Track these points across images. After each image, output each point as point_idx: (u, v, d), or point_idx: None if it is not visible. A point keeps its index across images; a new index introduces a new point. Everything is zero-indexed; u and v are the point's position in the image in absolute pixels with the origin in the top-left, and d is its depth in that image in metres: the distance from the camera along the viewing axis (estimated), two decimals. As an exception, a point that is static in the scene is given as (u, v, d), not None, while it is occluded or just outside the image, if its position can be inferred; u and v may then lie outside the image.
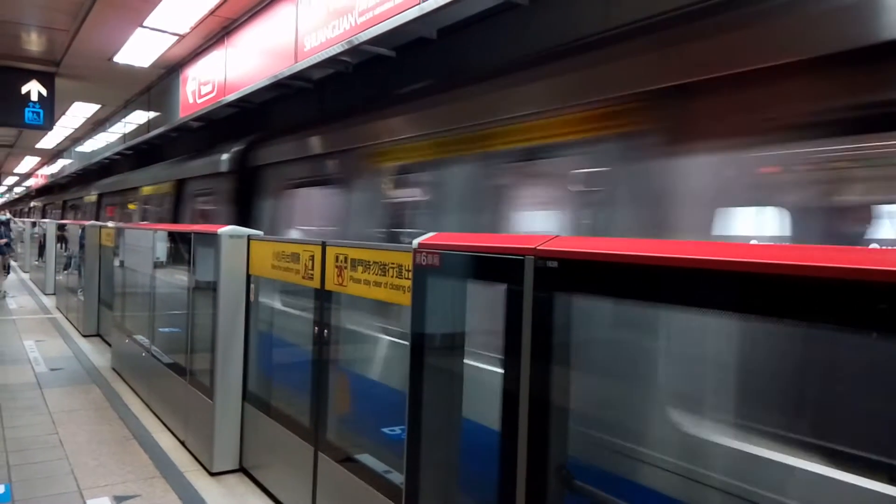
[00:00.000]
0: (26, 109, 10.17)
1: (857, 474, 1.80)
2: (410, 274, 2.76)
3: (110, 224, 10.03)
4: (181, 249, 5.78)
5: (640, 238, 2.63)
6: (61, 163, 21.59)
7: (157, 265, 6.55)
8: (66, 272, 12.78)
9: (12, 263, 18.69)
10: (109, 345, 8.98)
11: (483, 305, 2.62)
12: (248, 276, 4.85)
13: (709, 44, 2.56)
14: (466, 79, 4.18)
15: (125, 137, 12.93)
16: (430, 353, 2.66)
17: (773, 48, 2.28)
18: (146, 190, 11.06)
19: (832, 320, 1.47)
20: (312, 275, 3.91)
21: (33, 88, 10.18)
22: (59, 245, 14.36)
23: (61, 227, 13.97)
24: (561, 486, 2.03)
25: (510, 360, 2.12)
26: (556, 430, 2.05)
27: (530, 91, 3.49)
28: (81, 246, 10.59)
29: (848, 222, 2.44)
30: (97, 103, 12.84)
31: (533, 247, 2.05)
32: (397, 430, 3.31)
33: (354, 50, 5.14)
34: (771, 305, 1.56)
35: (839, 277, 1.36)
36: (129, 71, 9.75)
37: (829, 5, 2.18)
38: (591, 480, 2.19)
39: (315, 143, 5.58)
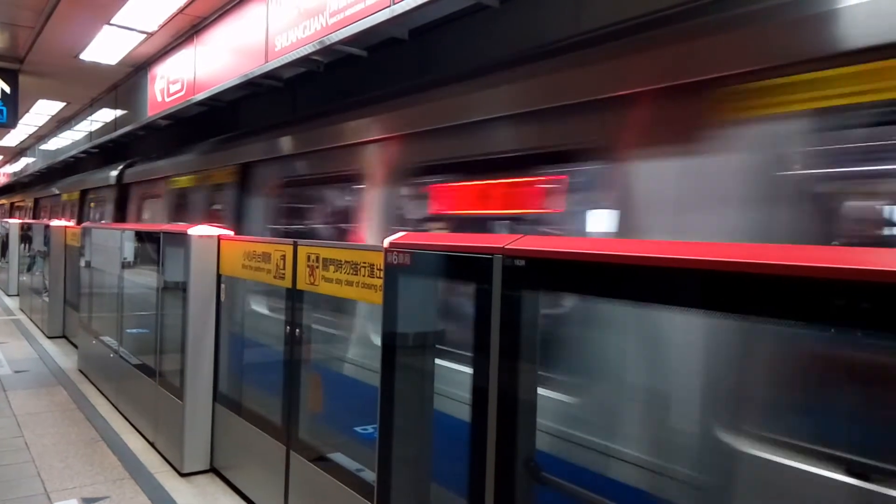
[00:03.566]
0: (-11, 107, 9.96)
1: None
2: (382, 273, 2.80)
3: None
4: (150, 249, 5.73)
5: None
6: (24, 161, 21.13)
7: (125, 265, 6.48)
8: (30, 273, 12.54)
9: None
10: (75, 346, 8.84)
11: None
12: (219, 277, 4.84)
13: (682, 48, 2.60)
14: (438, 80, 4.21)
15: (91, 136, 12.71)
16: (401, 351, 2.70)
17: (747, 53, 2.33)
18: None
19: (791, 317, 1.54)
20: (284, 274, 3.92)
21: (-4, 85, 9.97)
22: (22, 245, 14.07)
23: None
24: (529, 478, 2.09)
25: (479, 356, 2.17)
26: (524, 425, 2.10)
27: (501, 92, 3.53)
28: (46, 245, 10.41)
29: None
30: (62, 101, 12.60)
31: (501, 246, 2.10)
32: (370, 428, 3.34)
33: (326, 50, 5.14)
34: (731, 302, 1.63)
35: (794, 275, 1.43)
36: (96, 69, 9.60)
37: (804, 13, 2.21)
38: (559, 473, 2.25)
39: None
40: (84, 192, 12.75)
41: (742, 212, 2.25)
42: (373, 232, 4.15)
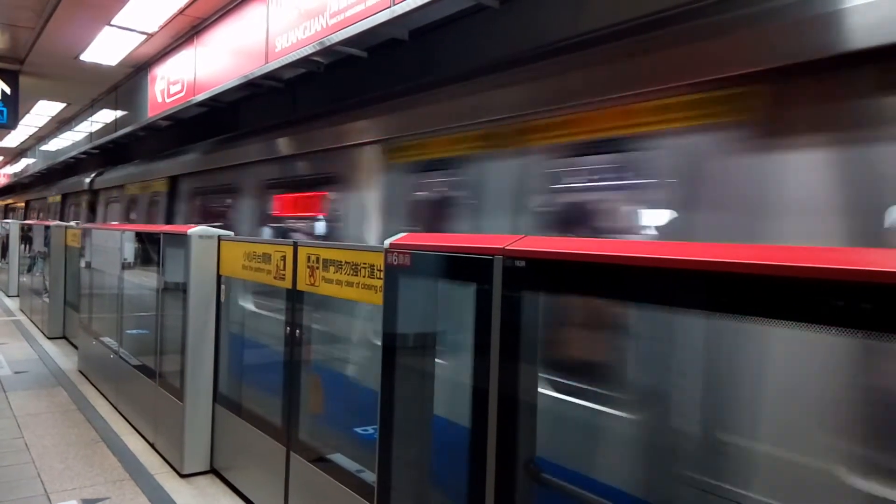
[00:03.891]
0: (-11, 108, 9.97)
1: None
2: (382, 274, 2.80)
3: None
4: (150, 250, 5.73)
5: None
6: (24, 161, 21.13)
7: (125, 266, 6.48)
8: (30, 273, 12.54)
9: None
10: (76, 347, 8.84)
11: None
12: (219, 277, 4.83)
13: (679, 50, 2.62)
14: (438, 81, 4.23)
15: (92, 136, 12.72)
16: (402, 352, 2.70)
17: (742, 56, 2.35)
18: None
19: (791, 317, 1.54)
20: (284, 275, 3.91)
21: (-4, 86, 9.97)
22: (22, 246, 14.07)
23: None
24: (529, 480, 2.08)
25: (480, 357, 2.17)
26: (525, 426, 2.10)
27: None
28: (46, 246, 10.42)
29: None
30: (63, 102, 12.61)
31: (501, 247, 2.10)
32: (370, 429, 3.34)
33: (327, 50, 5.14)
34: (730, 303, 1.63)
35: (796, 276, 1.43)
36: (96, 69, 9.60)
37: (797, 17, 2.23)
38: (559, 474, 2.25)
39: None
40: (65, 196, 15.17)
41: (387, 220, 4.19)
42: (245, 226, 6.12)
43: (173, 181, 8.26)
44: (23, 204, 21.93)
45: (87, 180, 12.59)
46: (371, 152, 4.40)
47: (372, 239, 4.26)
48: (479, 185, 3.47)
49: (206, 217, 7.51)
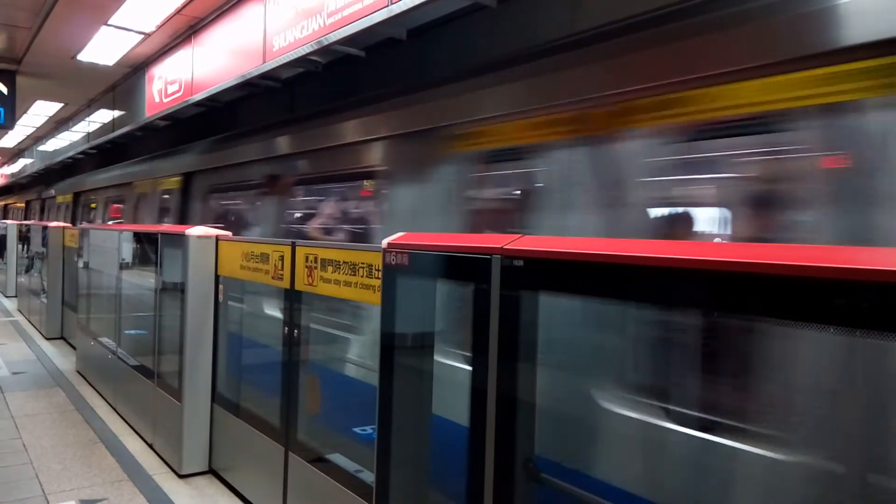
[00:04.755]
0: (-14, 108, 9.94)
1: None
2: (380, 273, 2.79)
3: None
4: (148, 250, 5.72)
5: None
6: (22, 162, 21.10)
7: (123, 266, 6.47)
8: (27, 274, 12.52)
9: None
10: (74, 348, 8.82)
11: None
12: (217, 277, 4.83)
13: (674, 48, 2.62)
14: (435, 80, 4.23)
15: (89, 136, 12.69)
16: (400, 351, 2.69)
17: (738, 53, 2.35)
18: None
19: (790, 317, 1.54)
20: (282, 275, 3.91)
21: (-7, 87, 9.95)
22: (20, 245, 14.05)
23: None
24: (528, 479, 2.08)
25: (478, 356, 2.17)
26: (523, 425, 2.10)
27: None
28: (44, 246, 10.41)
29: None
30: (60, 102, 12.57)
31: (500, 246, 2.10)
32: (368, 429, 3.33)
33: (324, 50, 5.14)
34: (726, 302, 1.63)
35: (792, 275, 1.43)
36: (94, 69, 9.57)
37: (795, 11, 2.22)
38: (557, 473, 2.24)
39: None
40: (28, 203, 21.08)
41: (149, 218, 9.01)
42: (100, 221, 11.21)
43: (76, 195, 14.11)
44: (3, 205, 27.66)
45: (36, 191, 18.60)
46: (133, 188, 9.11)
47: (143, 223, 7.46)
48: (176, 202, 7.75)
49: (87, 217, 12.91)
